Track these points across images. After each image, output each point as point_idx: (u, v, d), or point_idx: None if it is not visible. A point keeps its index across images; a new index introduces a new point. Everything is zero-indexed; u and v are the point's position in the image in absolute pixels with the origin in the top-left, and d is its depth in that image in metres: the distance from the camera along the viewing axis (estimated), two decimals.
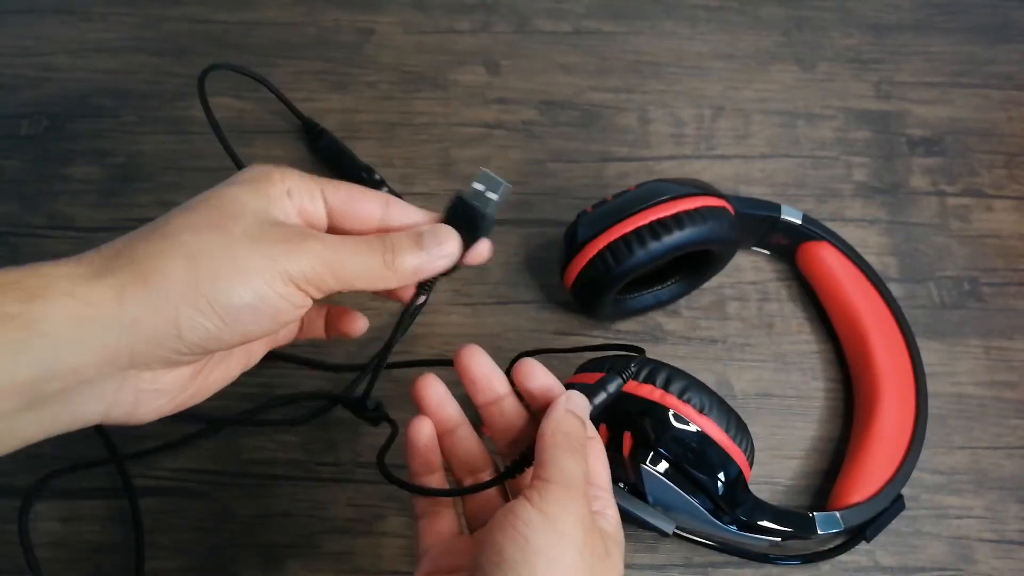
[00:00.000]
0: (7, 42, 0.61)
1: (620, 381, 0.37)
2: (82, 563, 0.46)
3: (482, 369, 0.36)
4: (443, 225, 0.34)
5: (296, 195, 0.32)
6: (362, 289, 0.32)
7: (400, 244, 0.33)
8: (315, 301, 0.32)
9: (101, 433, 0.48)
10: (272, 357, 0.50)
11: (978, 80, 0.62)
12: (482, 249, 0.35)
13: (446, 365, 0.50)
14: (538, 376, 0.35)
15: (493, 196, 0.35)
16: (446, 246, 0.33)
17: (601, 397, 0.37)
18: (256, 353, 0.37)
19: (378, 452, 0.37)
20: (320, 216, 0.33)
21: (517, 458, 0.35)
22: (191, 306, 0.28)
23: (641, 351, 0.39)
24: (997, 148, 0.60)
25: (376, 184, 0.54)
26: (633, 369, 0.38)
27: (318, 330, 0.39)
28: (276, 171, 0.32)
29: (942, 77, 0.62)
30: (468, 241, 0.34)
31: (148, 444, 0.48)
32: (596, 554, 0.30)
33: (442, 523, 0.36)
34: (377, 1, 0.63)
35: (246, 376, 0.50)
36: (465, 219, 0.34)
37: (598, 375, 0.43)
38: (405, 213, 0.34)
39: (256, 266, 0.29)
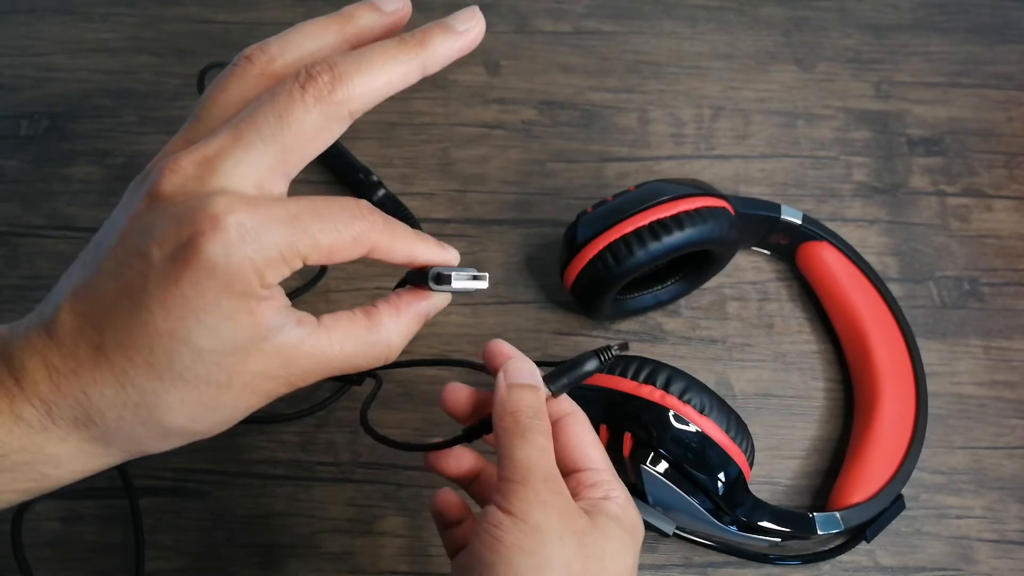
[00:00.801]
0: (7, 42, 0.61)
1: (597, 362, 0.35)
2: (82, 563, 0.46)
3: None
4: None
5: (272, 271, 0.27)
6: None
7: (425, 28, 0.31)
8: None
9: None
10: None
11: (978, 80, 0.62)
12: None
13: (445, 365, 0.50)
14: (503, 353, 0.34)
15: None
16: (471, 18, 0.34)
17: (576, 374, 0.35)
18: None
19: (361, 407, 0.36)
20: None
21: (475, 424, 0.34)
22: (161, 440, 0.28)
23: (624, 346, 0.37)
24: (997, 148, 0.60)
25: (374, 185, 0.54)
26: (613, 354, 0.35)
27: None
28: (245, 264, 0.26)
29: (942, 77, 0.62)
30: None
31: None
32: (582, 537, 0.30)
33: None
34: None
35: None
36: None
37: (600, 375, 0.43)
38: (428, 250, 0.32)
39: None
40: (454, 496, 0.37)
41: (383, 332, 0.30)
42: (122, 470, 0.47)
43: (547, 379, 0.34)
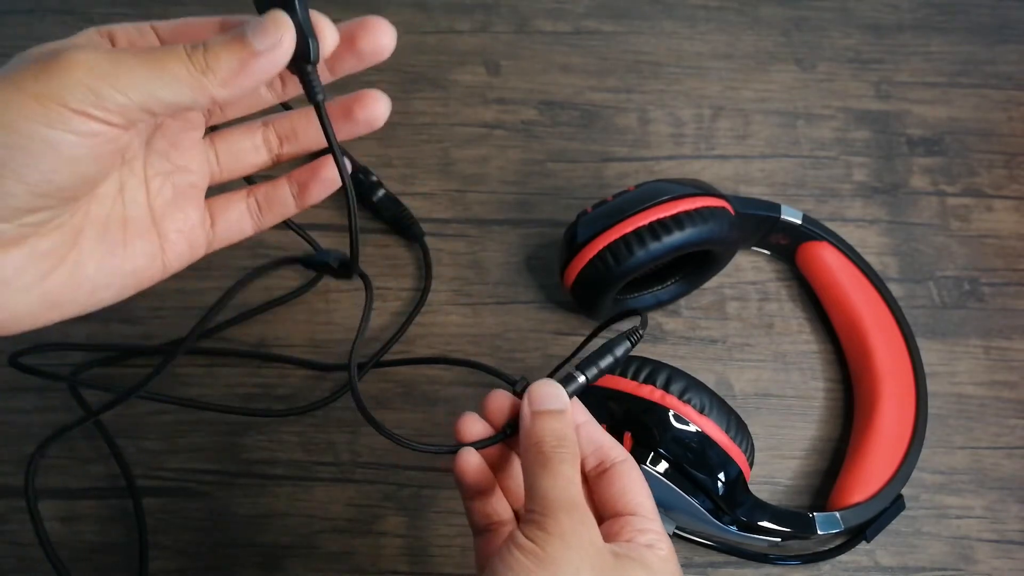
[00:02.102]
0: (8, 42, 0.60)
1: (628, 344, 0.34)
2: (82, 563, 0.46)
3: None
4: (269, 13, 0.27)
5: (121, 37, 0.28)
6: (176, 102, 0.26)
7: (213, 41, 0.27)
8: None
9: (109, 444, 0.48)
10: (270, 358, 0.50)
11: (978, 80, 0.62)
12: (325, 30, 0.29)
13: (445, 364, 0.50)
14: (500, 404, 0.34)
15: None
16: (272, 31, 0.27)
17: (609, 361, 0.34)
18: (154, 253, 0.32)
19: (351, 346, 0.36)
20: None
21: (506, 429, 0.34)
22: None
23: (640, 315, 0.37)
24: (997, 148, 0.60)
25: (373, 185, 0.54)
26: (641, 333, 0.36)
27: (281, 205, 0.35)
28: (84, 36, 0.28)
29: (942, 77, 0.62)
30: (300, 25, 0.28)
31: (153, 446, 0.48)
32: (600, 573, 0.29)
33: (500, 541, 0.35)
34: (377, 1, 0.63)
35: (246, 377, 0.50)
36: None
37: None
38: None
39: (3, 99, 0.25)
40: (475, 458, 0.34)
41: (197, 43, 0.27)
42: (125, 471, 0.47)
43: (581, 366, 0.34)
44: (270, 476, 0.48)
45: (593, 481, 0.34)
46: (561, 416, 0.32)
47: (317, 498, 0.48)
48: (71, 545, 0.46)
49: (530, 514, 0.30)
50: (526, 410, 0.32)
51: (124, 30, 0.29)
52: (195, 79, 0.26)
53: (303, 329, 0.51)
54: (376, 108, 0.33)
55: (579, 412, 0.35)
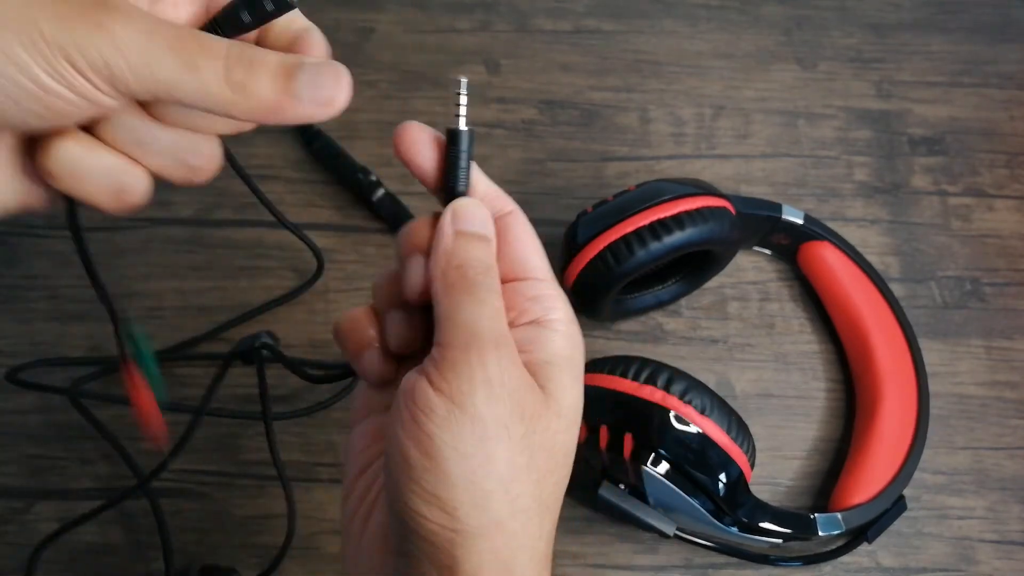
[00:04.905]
0: None
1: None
2: (82, 563, 0.46)
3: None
4: (337, 63, 0.24)
5: None
6: (190, 104, 0.23)
7: (264, 61, 0.23)
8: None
9: (116, 448, 0.48)
10: (269, 359, 0.50)
11: (979, 79, 0.62)
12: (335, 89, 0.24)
13: None
14: (425, 148, 0.28)
15: None
16: (329, 90, 0.24)
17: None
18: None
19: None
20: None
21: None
22: None
23: None
24: (998, 147, 0.60)
25: (373, 184, 0.54)
26: None
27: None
28: None
29: (943, 76, 0.62)
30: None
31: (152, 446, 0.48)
32: (531, 422, 0.24)
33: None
34: (377, 0, 0.62)
35: (246, 378, 0.50)
36: None
37: (600, 375, 0.43)
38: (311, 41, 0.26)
39: (12, 17, 0.21)
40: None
41: (246, 51, 0.23)
42: (137, 472, 0.47)
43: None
44: (270, 476, 0.48)
45: None
46: (488, 244, 0.27)
47: (316, 499, 0.48)
48: (71, 545, 0.46)
49: (445, 350, 0.24)
50: (447, 228, 0.26)
51: None
52: (223, 95, 0.23)
53: (303, 329, 0.51)
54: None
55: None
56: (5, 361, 0.48)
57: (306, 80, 0.24)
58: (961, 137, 0.60)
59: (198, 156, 0.26)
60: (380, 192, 0.54)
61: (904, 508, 0.46)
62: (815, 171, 0.58)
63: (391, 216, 0.54)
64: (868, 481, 0.46)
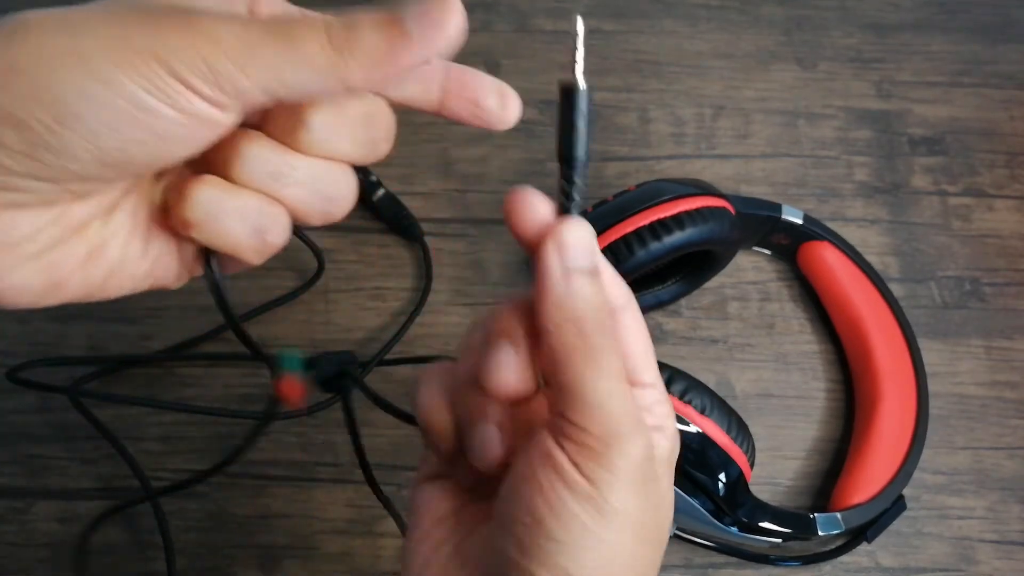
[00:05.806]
0: None
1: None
2: (81, 563, 0.46)
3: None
4: None
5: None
6: (304, 88, 0.22)
7: (358, 18, 0.22)
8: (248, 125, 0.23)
9: (118, 449, 0.48)
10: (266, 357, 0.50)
11: (979, 79, 0.62)
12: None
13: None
14: (536, 212, 0.25)
15: None
16: (437, 13, 0.22)
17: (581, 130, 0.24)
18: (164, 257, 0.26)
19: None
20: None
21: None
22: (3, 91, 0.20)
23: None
24: (998, 147, 0.60)
25: (374, 185, 0.54)
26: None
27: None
28: None
29: (943, 76, 0.62)
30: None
31: (152, 447, 0.48)
32: (653, 514, 0.23)
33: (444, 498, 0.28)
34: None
35: (245, 378, 0.50)
36: None
37: None
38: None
39: (102, 45, 0.20)
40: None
41: (336, 18, 0.22)
42: (138, 473, 0.47)
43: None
44: (270, 476, 0.48)
45: None
46: (598, 282, 0.23)
47: (316, 499, 0.48)
48: (71, 545, 0.46)
49: (584, 436, 0.22)
50: (555, 264, 0.23)
51: None
52: (331, 62, 0.22)
53: (302, 329, 0.51)
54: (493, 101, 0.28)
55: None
56: (5, 361, 0.48)
57: (411, 14, 0.22)
58: (961, 137, 0.60)
59: (334, 185, 0.25)
60: (380, 192, 0.54)
61: (904, 508, 0.46)
62: (815, 171, 0.58)
63: (391, 216, 0.54)
64: (868, 481, 0.46)
